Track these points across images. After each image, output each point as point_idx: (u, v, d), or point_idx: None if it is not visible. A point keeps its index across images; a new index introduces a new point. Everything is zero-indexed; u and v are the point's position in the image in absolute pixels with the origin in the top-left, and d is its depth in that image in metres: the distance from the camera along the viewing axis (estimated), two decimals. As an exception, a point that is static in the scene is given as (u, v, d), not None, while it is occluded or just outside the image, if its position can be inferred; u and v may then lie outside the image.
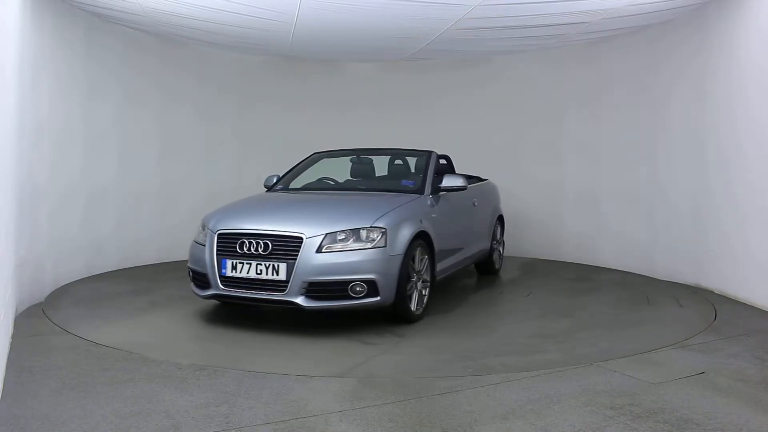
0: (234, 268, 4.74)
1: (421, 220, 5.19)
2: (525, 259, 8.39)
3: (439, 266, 5.53)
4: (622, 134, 7.54)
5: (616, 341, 4.60)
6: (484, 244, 6.93)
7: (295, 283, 4.57)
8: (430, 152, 6.23)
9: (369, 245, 4.70)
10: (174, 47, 7.89)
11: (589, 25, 6.71)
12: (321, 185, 6.32)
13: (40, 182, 5.83)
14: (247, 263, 4.70)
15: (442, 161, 6.54)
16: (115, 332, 4.68)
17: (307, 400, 3.38)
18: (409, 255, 4.90)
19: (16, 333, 4.57)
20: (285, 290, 4.59)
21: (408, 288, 4.94)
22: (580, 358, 4.14)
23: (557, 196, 8.36)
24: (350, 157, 6.63)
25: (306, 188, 6.23)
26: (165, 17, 6.54)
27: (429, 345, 4.49)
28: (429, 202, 5.59)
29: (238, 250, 4.76)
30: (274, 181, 6.34)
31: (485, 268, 7.28)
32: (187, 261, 5.29)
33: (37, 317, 5.08)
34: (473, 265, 7.26)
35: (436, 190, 5.77)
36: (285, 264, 4.61)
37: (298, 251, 4.61)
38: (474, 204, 6.60)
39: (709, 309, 5.55)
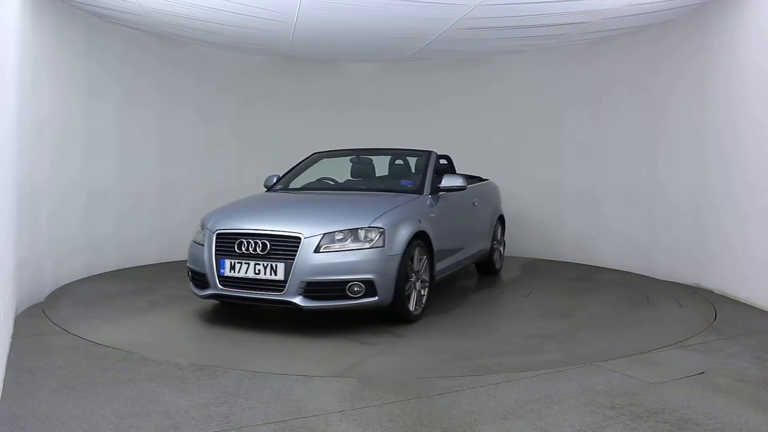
0: (232, 267, 4.75)
1: (419, 220, 5.19)
2: (526, 259, 8.39)
3: (438, 266, 5.53)
4: (622, 134, 7.54)
5: (616, 341, 4.59)
6: (485, 244, 6.93)
7: (293, 283, 4.57)
8: (429, 152, 6.23)
9: (367, 245, 4.70)
10: (174, 47, 7.89)
11: (589, 25, 6.71)
12: (321, 185, 6.32)
13: (40, 182, 5.83)
14: (245, 263, 4.71)
15: (443, 161, 6.54)
16: (115, 332, 4.68)
17: (307, 400, 3.38)
18: (407, 255, 4.90)
19: (16, 333, 4.57)
20: (283, 290, 4.60)
21: (406, 288, 4.94)
22: (580, 358, 4.14)
23: (557, 196, 8.36)
24: (350, 157, 6.63)
25: (306, 188, 6.23)
26: (165, 17, 6.54)
27: (426, 345, 4.49)
28: (428, 202, 5.58)
29: (236, 249, 4.76)
30: (274, 181, 6.34)
31: (486, 269, 7.28)
32: (186, 261, 5.29)
33: (37, 317, 5.08)
34: (474, 265, 7.25)
35: (436, 190, 5.77)
36: (283, 264, 4.61)
37: (296, 251, 4.61)
38: (474, 204, 6.59)
39: (709, 309, 5.55)
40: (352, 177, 6.45)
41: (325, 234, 4.67)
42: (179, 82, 7.99)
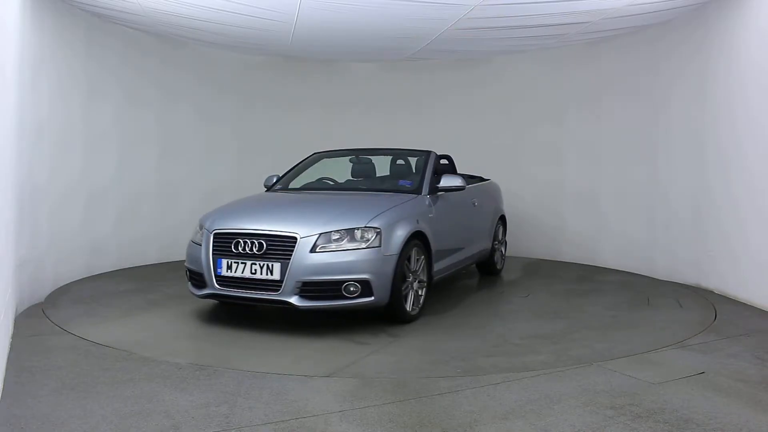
0: (229, 267, 4.75)
1: (417, 220, 5.18)
2: (527, 259, 8.38)
3: (437, 266, 5.52)
4: (622, 134, 7.54)
5: (616, 341, 4.59)
6: (485, 245, 6.92)
7: (289, 282, 4.57)
8: (428, 152, 6.22)
9: (363, 245, 4.69)
10: (174, 47, 7.89)
11: (589, 25, 6.71)
12: (320, 185, 6.32)
13: (40, 182, 5.83)
14: (242, 263, 4.71)
15: (444, 161, 6.53)
16: (115, 332, 4.68)
17: (307, 400, 3.38)
18: (404, 255, 4.89)
19: (16, 333, 4.57)
20: (279, 290, 4.60)
21: (403, 288, 4.93)
22: (575, 360, 4.14)
23: (557, 196, 8.36)
24: (350, 157, 6.62)
25: (305, 188, 6.23)
26: (165, 17, 6.54)
27: (421, 345, 4.49)
28: (427, 202, 5.58)
29: (233, 249, 4.76)
30: (274, 181, 6.34)
31: (487, 269, 7.26)
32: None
33: (37, 317, 5.08)
34: (475, 266, 7.25)
35: (434, 190, 5.76)
36: (279, 264, 4.61)
37: (293, 251, 4.61)
38: (474, 204, 6.59)
39: (709, 309, 5.55)
40: (352, 177, 6.45)
41: (321, 234, 4.67)
42: (179, 82, 7.99)
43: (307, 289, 4.59)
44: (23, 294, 5.29)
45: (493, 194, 7.36)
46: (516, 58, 8.54)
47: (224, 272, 4.77)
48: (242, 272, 4.70)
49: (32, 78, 5.57)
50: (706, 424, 3.09)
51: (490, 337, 4.76)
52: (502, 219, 7.52)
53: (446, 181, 5.77)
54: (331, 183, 6.37)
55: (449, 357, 4.19)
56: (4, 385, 3.48)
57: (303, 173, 6.49)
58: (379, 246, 4.73)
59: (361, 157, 6.56)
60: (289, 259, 4.60)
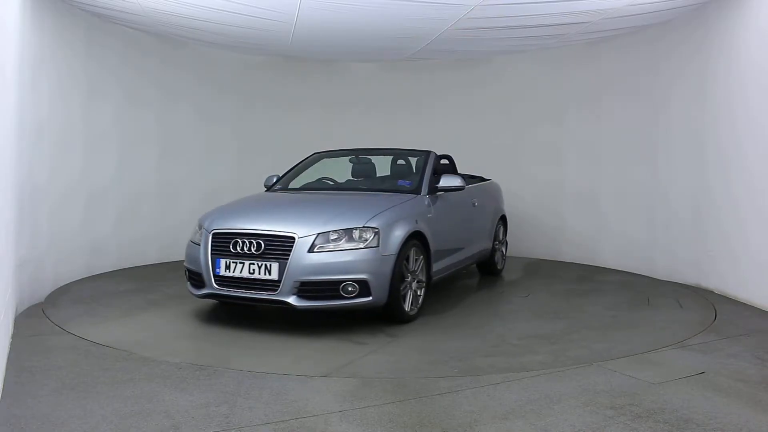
0: (228, 267, 4.75)
1: (416, 220, 5.18)
2: (528, 259, 8.38)
3: (436, 266, 5.52)
4: (622, 134, 7.54)
5: (616, 341, 4.59)
6: (485, 245, 6.92)
7: (286, 282, 4.57)
8: (428, 152, 6.22)
9: (361, 245, 4.69)
10: (174, 47, 7.89)
11: (589, 25, 6.71)
12: (320, 185, 6.32)
13: (40, 182, 5.83)
14: (240, 263, 4.71)
15: (444, 161, 6.53)
16: (115, 332, 4.68)
17: (307, 400, 3.38)
18: (402, 255, 4.89)
19: (16, 333, 4.57)
20: (277, 290, 4.60)
21: (402, 288, 4.93)
22: (573, 360, 4.13)
23: (557, 196, 8.36)
24: (349, 157, 6.62)
25: (305, 188, 6.23)
26: (165, 17, 6.54)
27: (419, 345, 4.49)
28: (426, 202, 5.57)
29: (231, 249, 4.77)
30: (274, 181, 6.34)
31: (487, 269, 7.26)
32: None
33: (37, 317, 5.08)
34: (476, 266, 7.25)
35: (434, 190, 5.76)
36: (277, 264, 4.61)
37: (290, 251, 4.61)
38: (474, 204, 6.58)
39: (709, 309, 5.55)
40: (352, 177, 6.45)
41: (319, 234, 4.67)
42: (179, 82, 7.99)
43: (305, 289, 4.59)
44: (23, 294, 5.29)
45: (493, 194, 7.35)
46: (516, 58, 8.54)
47: (223, 272, 4.77)
48: (240, 272, 4.70)
49: (32, 78, 5.57)
50: (706, 424, 3.09)
51: (489, 337, 4.75)
52: (503, 219, 7.51)
53: (445, 181, 5.77)
54: (331, 183, 6.37)
55: (447, 357, 4.19)
56: (4, 385, 3.48)
57: (303, 173, 6.49)
58: (377, 246, 4.72)
59: (361, 157, 6.56)
60: (287, 259, 4.60)
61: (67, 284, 6.28)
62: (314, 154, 6.77)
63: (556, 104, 8.30)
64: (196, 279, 5.00)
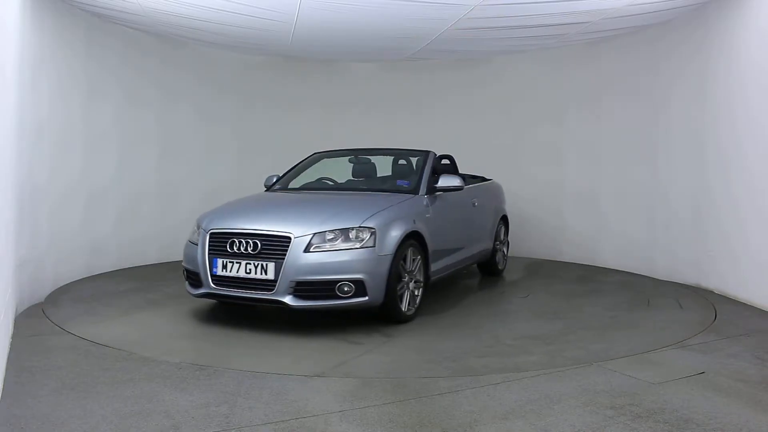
0: (225, 267, 4.76)
1: (414, 220, 5.17)
2: (529, 260, 8.38)
3: (434, 267, 5.50)
4: (622, 134, 7.54)
5: (616, 341, 4.59)
6: (486, 245, 6.91)
7: (282, 282, 4.58)
8: (427, 152, 6.21)
9: (358, 245, 4.69)
10: (174, 47, 7.89)
11: (589, 25, 6.71)
12: (320, 185, 6.32)
13: (40, 182, 5.83)
14: (237, 262, 4.72)
15: (445, 161, 6.52)
16: (115, 332, 4.68)
17: (307, 400, 3.38)
18: (399, 255, 4.89)
19: (16, 333, 4.57)
20: (273, 289, 4.60)
21: (399, 288, 4.93)
22: (576, 360, 4.14)
23: (557, 196, 8.36)
24: (349, 157, 6.62)
25: (305, 188, 6.23)
26: (165, 17, 6.54)
27: (415, 345, 4.48)
28: (424, 202, 5.56)
29: (228, 249, 4.77)
30: (274, 180, 6.34)
31: (488, 269, 7.24)
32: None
33: (37, 317, 5.08)
34: (476, 266, 7.24)
35: (432, 190, 5.74)
36: (273, 263, 4.62)
37: (287, 251, 4.61)
38: (474, 204, 6.57)
39: (709, 309, 5.55)
40: (352, 177, 6.45)
41: (315, 234, 4.67)
42: (179, 82, 7.99)
43: (301, 288, 4.59)
44: (23, 294, 5.29)
45: (494, 194, 7.34)
46: (516, 58, 8.54)
47: (220, 272, 4.78)
48: (237, 272, 4.71)
49: (32, 78, 5.56)
50: (706, 424, 3.09)
51: (485, 337, 4.74)
52: (504, 219, 7.49)
53: (444, 181, 5.76)
54: (331, 183, 6.37)
55: (442, 357, 4.19)
56: (4, 385, 3.48)
57: (303, 173, 6.49)
58: (374, 246, 4.72)
59: (360, 158, 6.56)
60: (284, 258, 4.60)
61: (67, 284, 6.28)
62: (314, 154, 6.77)
63: (556, 104, 8.30)
64: (193, 278, 5.01)
